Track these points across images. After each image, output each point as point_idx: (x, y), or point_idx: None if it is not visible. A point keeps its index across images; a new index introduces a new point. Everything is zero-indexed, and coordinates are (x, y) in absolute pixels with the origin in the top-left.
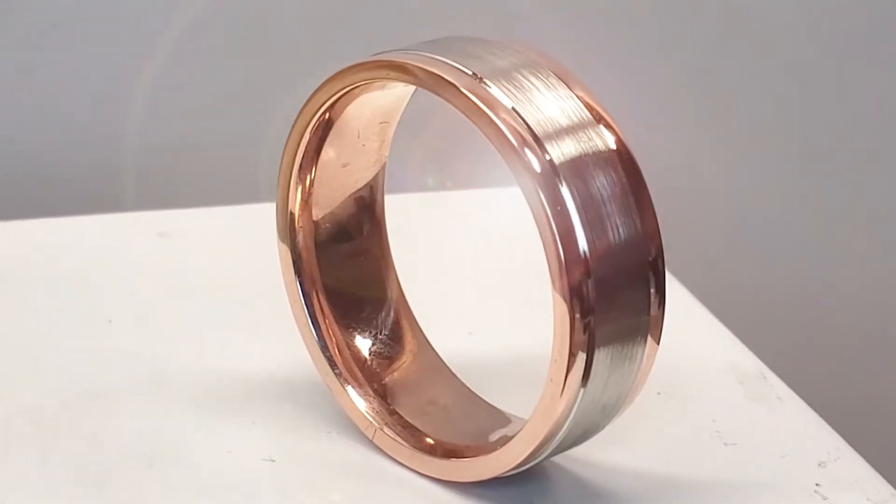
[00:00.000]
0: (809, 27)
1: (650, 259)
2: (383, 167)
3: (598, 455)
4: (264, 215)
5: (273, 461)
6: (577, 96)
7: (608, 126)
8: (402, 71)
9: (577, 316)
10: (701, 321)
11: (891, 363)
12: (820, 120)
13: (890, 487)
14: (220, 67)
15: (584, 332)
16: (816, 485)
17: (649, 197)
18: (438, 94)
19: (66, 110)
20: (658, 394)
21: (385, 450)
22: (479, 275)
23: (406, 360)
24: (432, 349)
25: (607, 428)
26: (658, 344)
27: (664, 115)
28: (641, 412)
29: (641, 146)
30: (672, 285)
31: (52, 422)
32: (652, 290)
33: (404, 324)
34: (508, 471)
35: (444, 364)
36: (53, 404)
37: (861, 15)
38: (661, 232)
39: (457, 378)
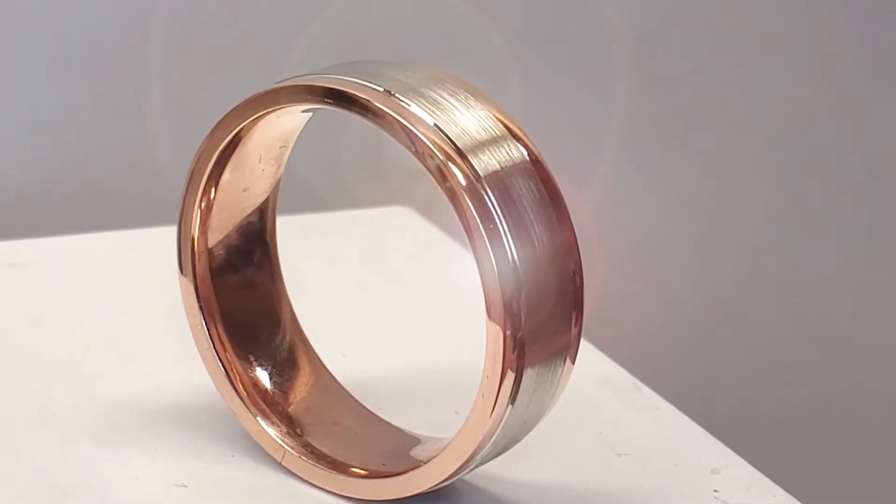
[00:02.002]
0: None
1: (571, 273)
2: (276, 191)
3: (501, 470)
4: (130, 240)
5: (185, 486)
6: (491, 113)
7: (521, 139)
8: (333, 97)
9: (509, 333)
10: None
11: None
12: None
13: (783, 490)
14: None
15: (514, 350)
16: (715, 490)
17: (566, 209)
18: (360, 115)
19: None
20: None
21: (297, 472)
22: (358, 295)
23: (305, 385)
24: (328, 372)
25: None
26: (574, 362)
27: None
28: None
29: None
30: None
31: None
32: (573, 306)
33: (299, 349)
34: (431, 487)
35: (341, 386)
36: None
37: None
38: None
39: (355, 399)
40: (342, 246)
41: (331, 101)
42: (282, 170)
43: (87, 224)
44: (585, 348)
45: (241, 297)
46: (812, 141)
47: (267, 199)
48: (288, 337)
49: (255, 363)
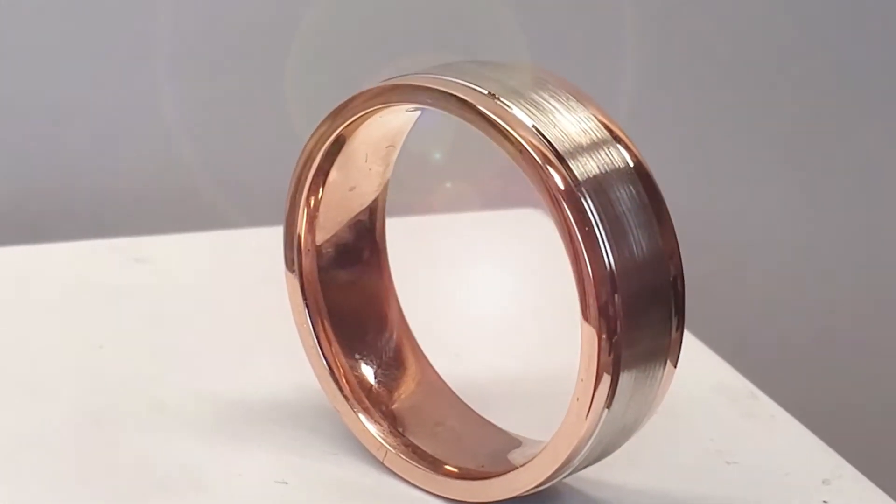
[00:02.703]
0: None
1: (671, 278)
2: (385, 191)
3: (606, 475)
4: (246, 240)
5: (286, 483)
6: (592, 115)
7: (625, 144)
8: (418, 94)
9: (605, 336)
10: (687, 344)
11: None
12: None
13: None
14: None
15: (610, 354)
16: (824, 502)
17: (668, 214)
18: (460, 117)
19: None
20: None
21: (397, 472)
22: (470, 298)
23: (410, 384)
24: (434, 372)
25: None
26: (675, 366)
27: None
28: (640, 433)
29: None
30: None
31: (58, 446)
32: (673, 311)
33: (406, 347)
34: (529, 490)
35: (447, 386)
36: (59, 429)
37: None
38: None
39: (460, 399)
40: (468, 247)
41: (431, 102)
42: (390, 169)
43: (215, 222)
44: (704, 354)
45: (349, 294)
46: None
47: (376, 199)
48: (395, 336)
49: (360, 361)
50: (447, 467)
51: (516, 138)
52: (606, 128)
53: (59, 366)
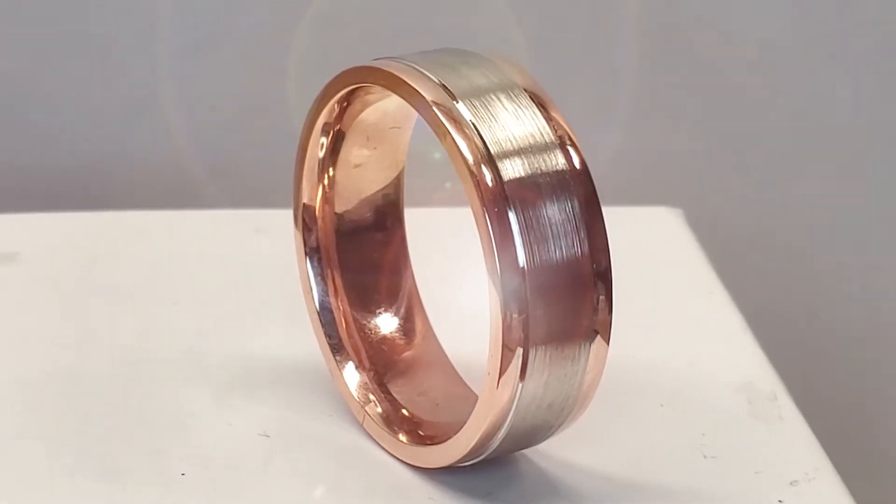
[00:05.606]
0: None
1: (598, 270)
2: (401, 171)
3: (570, 454)
4: None
5: (268, 436)
6: (546, 119)
7: (570, 149)
8: (379, 76)
9: (514, 315)
10: (732, 334)
11: None
12: None
13: None
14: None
15: (521, 331)
16: (779, 501)
17: (601, 218)
18: (410, 104)
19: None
20: (661, 405)
21: (373, 436)
22: None
23: (410, 350)
24: (439, 345)
25: (592, 429)
26: (607, 347)
27: None
28: (636, 421)
29: None
30: (717, 296)
31: (83, 387)
32: (601, 298)
33: (416, 316)
34: (460, 460)
35: (449, 362)
36: (91, 370)
37: None
38: None
39: (458, 376)
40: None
41: (385, 84)
42: (403, 150)
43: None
44: (748, 351)
45: (368, 251)
46: None
47: (397, 176)
48: (406, 303)
49: (368, 313)
50: (412, 431)
51: (450, 133)
52: (556, 132)
53: (128, 315)
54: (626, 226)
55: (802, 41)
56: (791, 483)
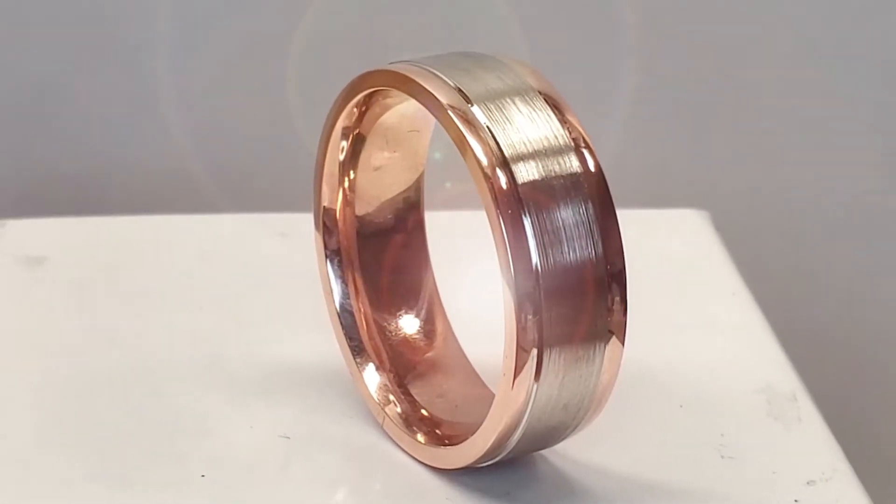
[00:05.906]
0: None
1: (613, 272)
2: (421, 174)
3: (588, 454)
4: None
5: (288, 438)
6: (561, 122)
7: (584, 152)
8: (395, 80)
9: (529, 317)
10: (754, 336)
11: None
12: None
13: None
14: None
15: (536, 332)
16: (795, 501)
17: (615, 220)
18: (425, 107)
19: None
20: (681, 406)
21: (392, 437)
22: None
23: (430, 351)
24: (459, 347)
25: (610, 430)
26: (622, 349)
27: None
28: (656, 421)
29: None
30: (740, 298)
31: (106, 389)
32: (616, 299)
33: (436, 314)
34: (476, 461)
35: (469, 364)
36: (114, 372)
37: None
38: None
39: (478, 377)
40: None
41: (398, 86)
42: (422, 154)
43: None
44: (770, 351)
45: (389, 253)
46: None
47: (417, 180)
48: (427, 304)
49: (388, 315)
50: (430, 432)
51: (465, 136)
52: (570, 135)
53: (152, 318)
54: (652, 228)
55: (830, 41)
56: (808, 483)
